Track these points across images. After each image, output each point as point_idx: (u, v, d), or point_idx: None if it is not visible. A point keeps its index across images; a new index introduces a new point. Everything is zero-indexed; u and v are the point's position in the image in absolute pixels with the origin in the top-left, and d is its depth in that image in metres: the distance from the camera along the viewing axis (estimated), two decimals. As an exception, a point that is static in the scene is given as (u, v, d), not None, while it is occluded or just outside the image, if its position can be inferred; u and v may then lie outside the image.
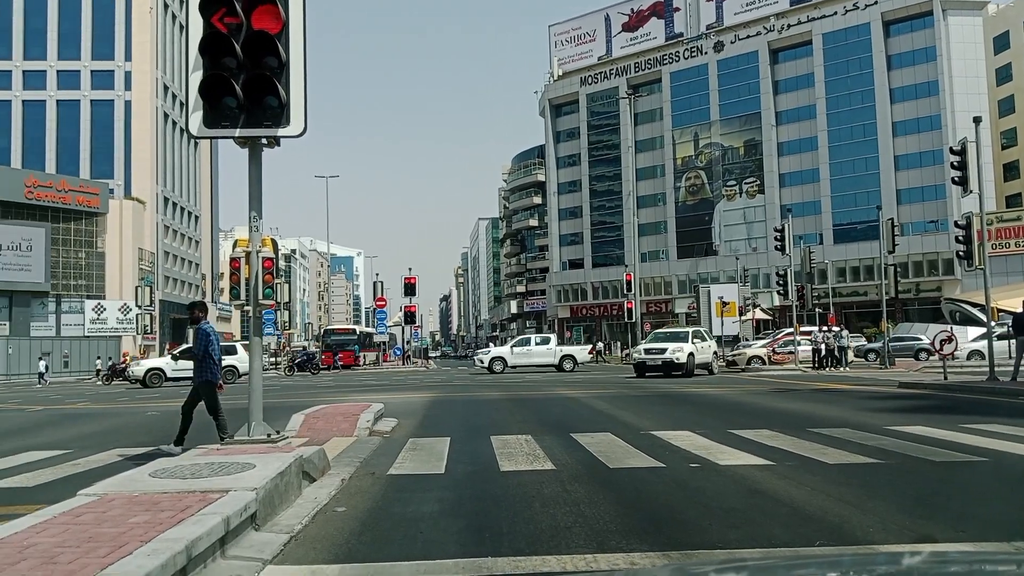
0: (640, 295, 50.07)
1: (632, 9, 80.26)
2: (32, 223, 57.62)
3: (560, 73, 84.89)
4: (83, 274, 60.83)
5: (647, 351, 26.94)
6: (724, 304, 36.13)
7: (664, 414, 12.94)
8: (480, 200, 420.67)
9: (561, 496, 6.07)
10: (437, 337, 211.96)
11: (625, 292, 46.45)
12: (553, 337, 37.37)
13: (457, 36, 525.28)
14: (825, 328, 31.66)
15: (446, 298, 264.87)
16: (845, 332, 31.90)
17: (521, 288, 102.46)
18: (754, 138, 70.97)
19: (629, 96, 65.51)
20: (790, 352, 32.33)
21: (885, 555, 3.65)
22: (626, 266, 53.96)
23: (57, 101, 65.95)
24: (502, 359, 34.52)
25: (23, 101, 65.61)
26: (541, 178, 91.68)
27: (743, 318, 39.82)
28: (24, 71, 65.68)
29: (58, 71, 66.05)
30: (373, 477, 7.21)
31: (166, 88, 71.22)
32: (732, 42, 71.99)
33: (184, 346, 10.90)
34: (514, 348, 35.55)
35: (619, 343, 64.69)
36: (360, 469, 7.63)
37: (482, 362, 35.26)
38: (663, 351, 26.35)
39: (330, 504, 6.01)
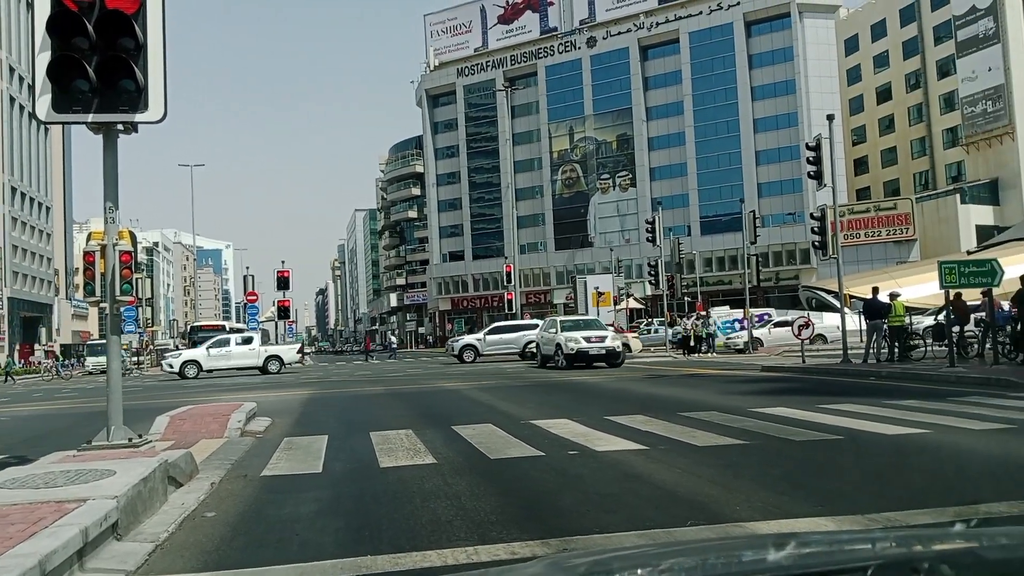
0: (520, 286, 50.59)
1: (507, 2, 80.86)
2: None
3: (437, 63, 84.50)
4: (-84, 270, 55.52)
5: (588, 339, 23.71)
6: (600, 294, 37.07)
7: (543, 403, 13.14)
8: (357, 191, 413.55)
9: (442, 490, 6.05)
10: (314, 332, 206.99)
11: (505, 284, 46.81)
12: (257, 336, 33.94)
13: (330, 22, 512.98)
14: (694, 315, 33.08)
15: (322, 291, 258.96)
16: (712, 319, 33.43)
17: (401, 280, 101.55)
18: (626, 133, 73.11)
19: (506, 88, 65.80)
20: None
21: (747, 539, 3.84)
22: (506, 258, 54.40)
23: None
24: (196, 363, 30.82)
25: None
26: (419, 169, 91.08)
27: (618, 307, 40.98)
28: None
29: None
30: (245, 479, 6.95)
31: (12, 70, 65.87)
32: (604, 38, 73.79)
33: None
34: (210, 350, 31.52)
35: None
36: (231, 471, 7.33)
37: (171, 367, 31.07)
38: (603, 339, 23.93)
39: (199, 509, 5.74)
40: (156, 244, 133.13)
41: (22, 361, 58.29)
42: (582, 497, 5.68)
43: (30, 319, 68.61)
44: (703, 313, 34.19)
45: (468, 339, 35.44)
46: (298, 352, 34.06)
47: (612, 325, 30.42)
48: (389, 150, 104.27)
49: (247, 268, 52.59)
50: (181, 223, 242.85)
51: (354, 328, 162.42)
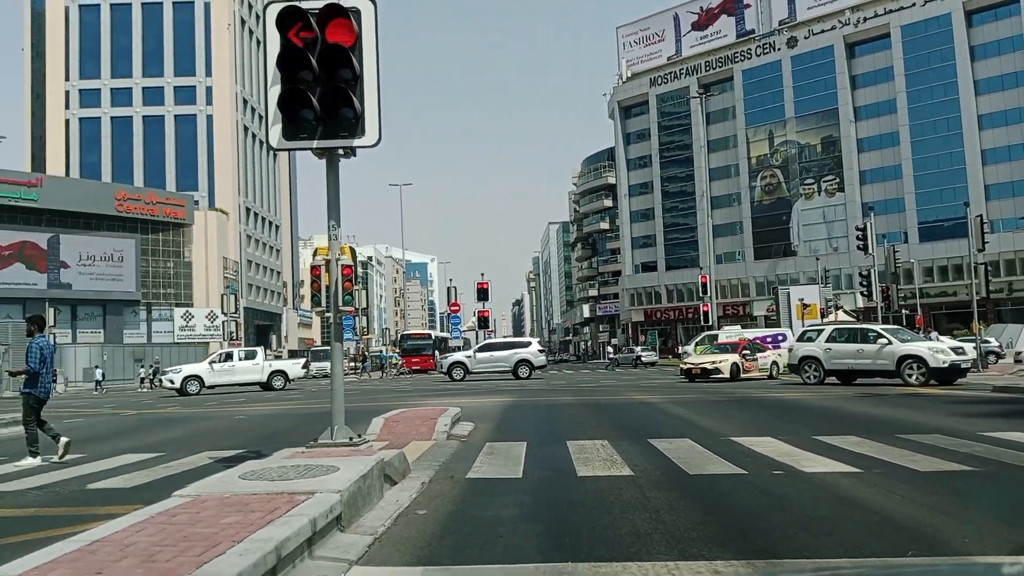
0: (716, 297, 49.17)
1: (701, 7, 79.18)
2: (123, 235, 60.36)
3: (629, 75, 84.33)
4: (171, 283, 63.36)
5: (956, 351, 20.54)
6: (805, 306, 35.19)
7: (744, 419, 12.67)
8: (551, 204, 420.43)
9: (640, 502, 6.02)
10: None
11: (700, 295, 45.72)
12: (260, 351, 32.97)
13: (524, 41, 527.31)
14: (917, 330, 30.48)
15: (518, 302, 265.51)
16: (934, 334, 30.66)
17: (593, 292, 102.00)
18: (831, 135, 69.03)
19: (700, 95, 64.50)
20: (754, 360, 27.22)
21: (984, 566, 3.49)
22: (701, 268, 53.14)
23: (143, 117, 68.98)
24: (198, 378, 29.97)
25: (111, 118, 68.80)
26: (612, 181, 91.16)
27: (825, 320, 38.71)
28: (112, 89, 68.87)
29: (143, 88, 69.07)
30: (452, 481, 7.29)
31: (245, 102, 73.64)
32: (806, 37, 70.26)
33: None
34: (213, 365, 30.81)
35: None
36: (439, 472, 7.72)
37: (172, 382, 30.18)
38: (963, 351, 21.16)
39: (411, 507, 6.10)
40: (370, 258, 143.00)
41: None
42: (789, 519, 5.43)
43: (262, 327, 76.03)
44: (925, 327, 31.42)
45: (457, 356, 34.10)
46: (302, 367, 33.26)
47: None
48: (581, 163, 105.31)
49: (450, 280, 55.22)
50: (391, 238, 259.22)
51: (548, 338, 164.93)
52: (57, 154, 68.17)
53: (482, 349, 33.20)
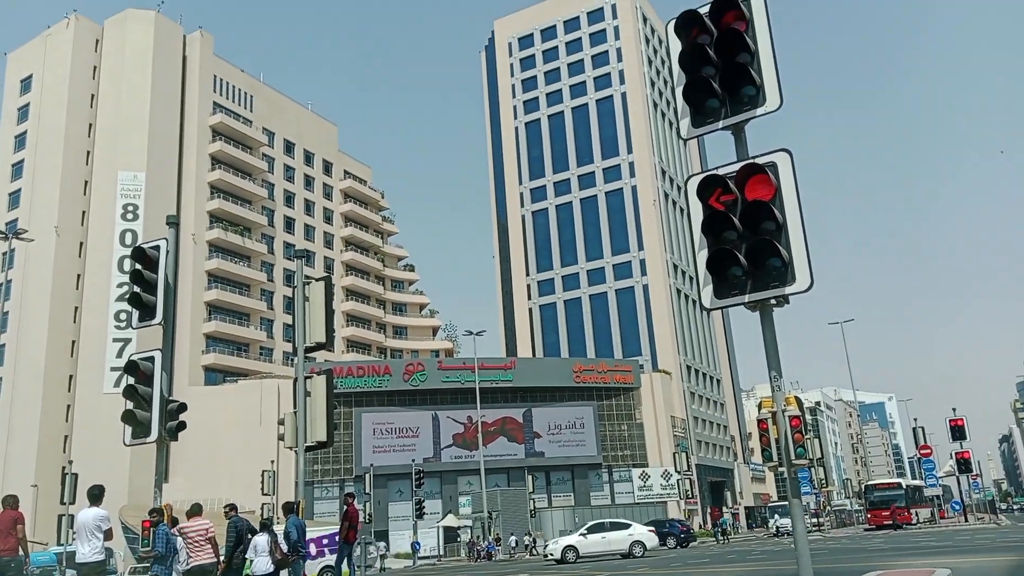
0: None
1: None
2: (582, 403, 66.20)
3: None
4: (627, 444, 66.91)
5: None
6: None
7: None
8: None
9: None
10: (1004, 486, 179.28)
11: None
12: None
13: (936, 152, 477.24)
14: None
15: (1007, 438, 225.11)
16: None
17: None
18: None
19: None
20: None
21: None
22: None
23: (589, 296, 77.20)
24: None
25: (564, 301, 78.32)
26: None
27: None
28: (562, 276, 78.90)
29: (587, 271, 77.81)
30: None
31: (675, 267, 78.13)
32: None
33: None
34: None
35: None
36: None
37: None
38: None
39: None
40: (818, 403, 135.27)
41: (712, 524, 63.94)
42: None
43: (716, 483, 75.49)
44: None
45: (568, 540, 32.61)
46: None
47: None
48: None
49: (915, 420, 49.42)
50: (839, 380, 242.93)
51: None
52: (524, 339, 79.13)
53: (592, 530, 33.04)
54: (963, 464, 41.57)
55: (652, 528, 34.80)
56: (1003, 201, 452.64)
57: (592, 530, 32.40)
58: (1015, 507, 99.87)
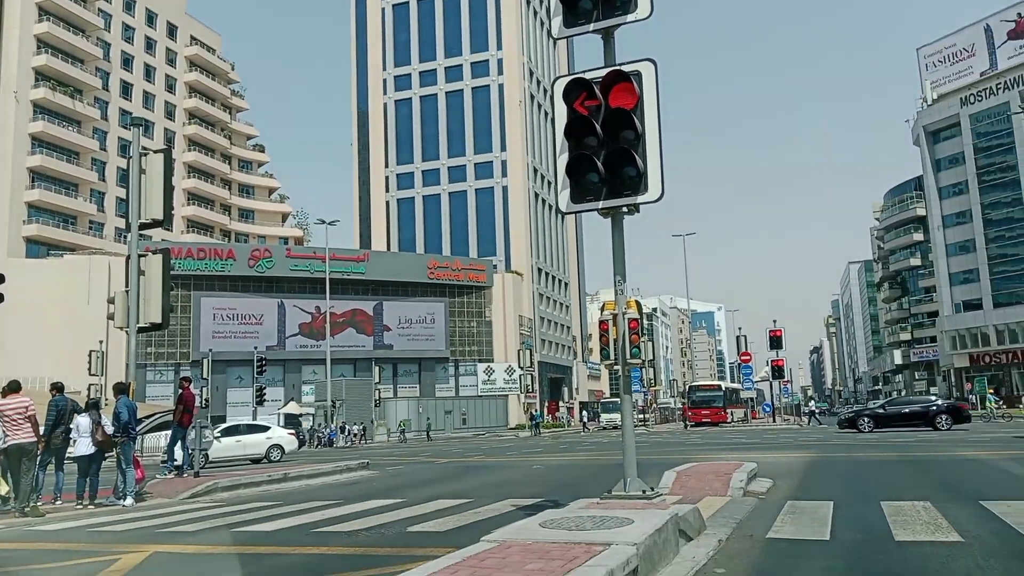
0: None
1: (1019, 14, 70.18)
2: (434, 299, 66.69)
3: (935, 97, 76.83)
4: (475, 340, 68.43)
5: None
6: None
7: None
8: (848, 244, 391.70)
9: (974, 572, 5.34)
10: (809, 392, 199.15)
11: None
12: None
13: (803, 74, 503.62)
14: None
15: (817, 350, 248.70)
16: None
17: (905, 335, 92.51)
18: None
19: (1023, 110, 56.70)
20: None
21: None
22: (1039, 305, 46.03)
23: (449, 194, 76.47)
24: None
25: (423, 197, 77.20)
26: (921, 212, 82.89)
27: None
28: (423, 171, 77.48)
29: (448, 168, 76.76)
30: (751, 540, 7.00)
31: (535, 171, 78.59)
32: None
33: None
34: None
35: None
36: (736, 530, 7.46)
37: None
38: None
39: (708, 565, 5.96)
40: (655, 310, 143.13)
41: (549, 416, 67.64)
42: None
43: (555, 380, 79.11)
44: None
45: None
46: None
47: None
48: (884, 196, 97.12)
49: (739, 329, 53.44)
50: (675, 289, 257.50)
51: (854, 388, 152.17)
52: (379, 232, 77.82)
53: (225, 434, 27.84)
54: (777, 371, 45.67)
55: (293, 431, 31.52)
56: (849, 125, 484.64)
57: (226, 433, 27.21)
58: (815, 410, 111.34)
